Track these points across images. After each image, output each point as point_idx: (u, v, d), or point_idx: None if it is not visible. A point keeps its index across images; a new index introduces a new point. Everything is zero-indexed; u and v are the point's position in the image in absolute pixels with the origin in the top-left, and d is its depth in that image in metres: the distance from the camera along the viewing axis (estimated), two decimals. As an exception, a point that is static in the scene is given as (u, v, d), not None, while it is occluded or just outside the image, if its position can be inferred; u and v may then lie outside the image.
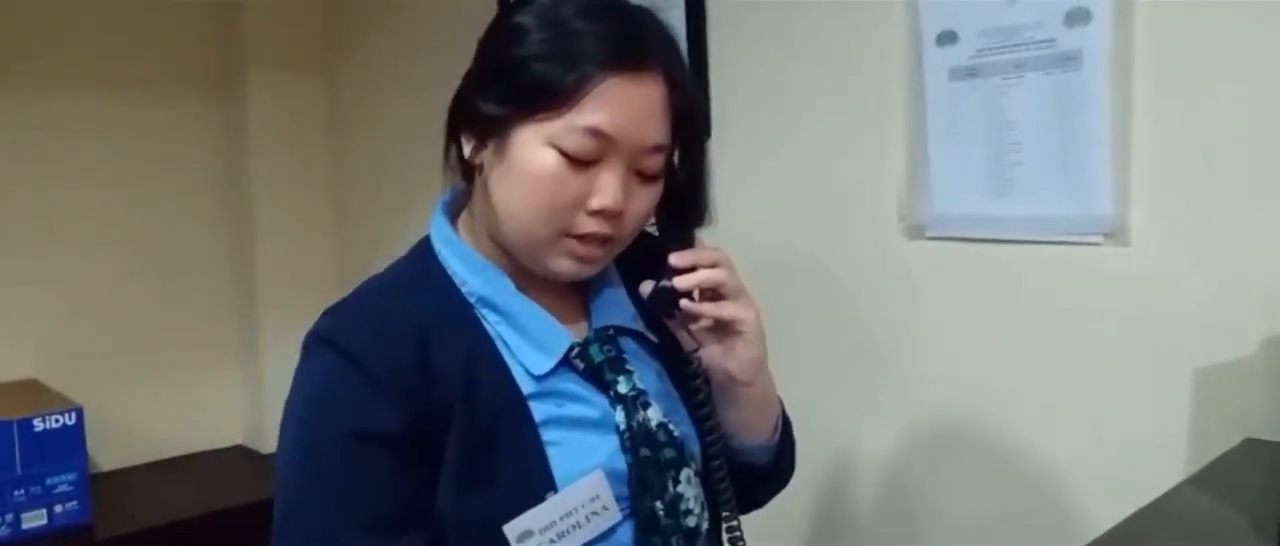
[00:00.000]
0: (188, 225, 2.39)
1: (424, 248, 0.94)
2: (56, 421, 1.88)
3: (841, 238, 1.54)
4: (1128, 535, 0.94)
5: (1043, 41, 1.28)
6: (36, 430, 1.86)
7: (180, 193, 2.38)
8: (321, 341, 0.85)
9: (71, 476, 1.90)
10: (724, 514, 0.96)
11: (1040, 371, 1.35)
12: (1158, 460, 1.22)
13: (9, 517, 1.84)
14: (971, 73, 1.35)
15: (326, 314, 0.88)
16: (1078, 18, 1.25)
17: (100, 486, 2.05)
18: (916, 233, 1.44)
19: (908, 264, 1.46)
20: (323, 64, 2.51)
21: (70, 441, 1.89)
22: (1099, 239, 1.27)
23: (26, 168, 2.16)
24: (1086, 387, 1.30)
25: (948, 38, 1.37)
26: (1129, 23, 1.22)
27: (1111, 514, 0.98)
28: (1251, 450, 1.12)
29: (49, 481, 1.88)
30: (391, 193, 2.35)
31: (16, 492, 1.84)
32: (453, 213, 0.95)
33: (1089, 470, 1.30)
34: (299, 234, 2.46)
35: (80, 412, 1.90)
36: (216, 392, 2.45)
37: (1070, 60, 1.26)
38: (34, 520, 1.87)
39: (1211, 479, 1.07)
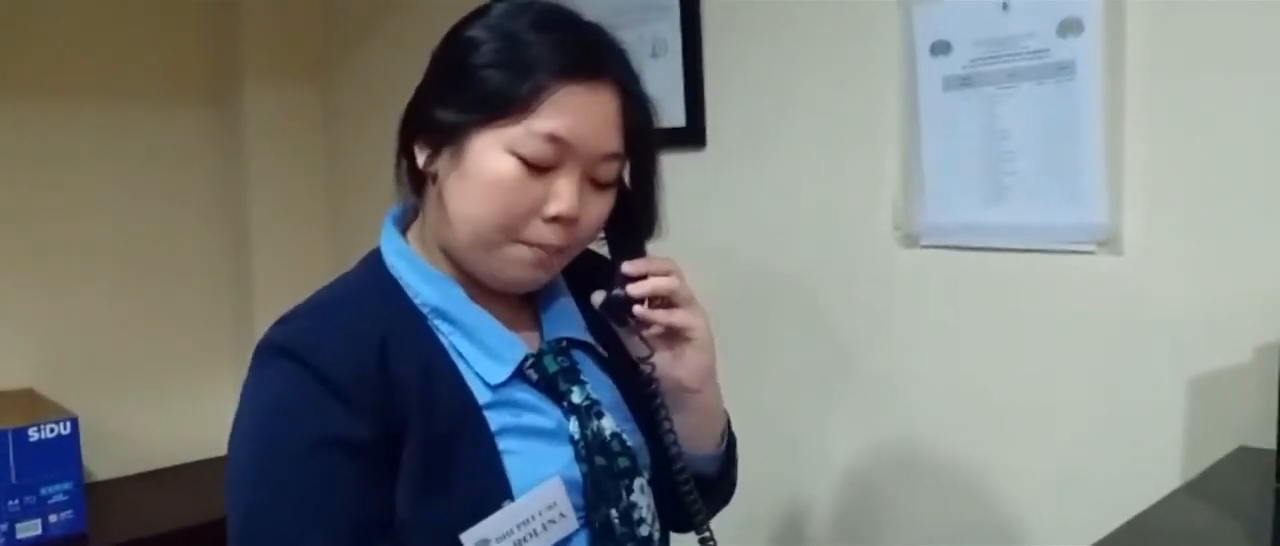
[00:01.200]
0: (184, 234, 2.39)
1: (374, 260, 0.94)
2: (51, 431, 1.87)
3: (836, 246, 1.54)
4: (1122, 542, 0.94)
5: (1036, 51, 1.29)
6: (31, 439, 1.85)
7: (177, 201, 2.38)
8: (278, 351, 0.84)
9: (66, 486, 1.89)
10: (695, 517, 0.96)
11: (1034, 379, 1.35)
12: (1151, 467, 1.22)
13: (3, 527, 1.83)
14: (965, 82, 1.36)
15: (280, 323, 0.87)
16: (1070, 28, 1.26)
17: (95, 496, 2.04)
18: (911, 241, 1.45)
19: (902, 272, 1.47)
20: (319, 72, 2.52)
21: (65, 451, 1.89)
22: (1092, 247, 1.27)
23: (23, 176, 2.16)
24: (1080, 395, 1.31)
25: (941, 48, 1.38)
26: (1121, 32, 1.22)
27: (1105, 522, 0.98)
28: (1245, 458, 1.13)
29: (44, 491, 1.87)
30: (388, 202, 2.34)
31: (11, 502, 1.84)
32: (402, 226, 0.96)
33: (1082, 478, 1.31)
34: (295, 243, 2.46)
35: (75, 422, 1.90)
36: (212, 402, 2.43)
37: (1063, 70, 1.27)
38: (29, 530, 1.86)
39: (1205, 486, 1.07)
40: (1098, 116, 1.25)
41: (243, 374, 2.48)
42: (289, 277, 2.42)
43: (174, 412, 2.37)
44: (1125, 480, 1.22)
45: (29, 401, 2.06)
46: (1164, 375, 1.23)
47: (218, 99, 2.43)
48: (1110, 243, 1.26)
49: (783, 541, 1.65)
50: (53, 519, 1.88)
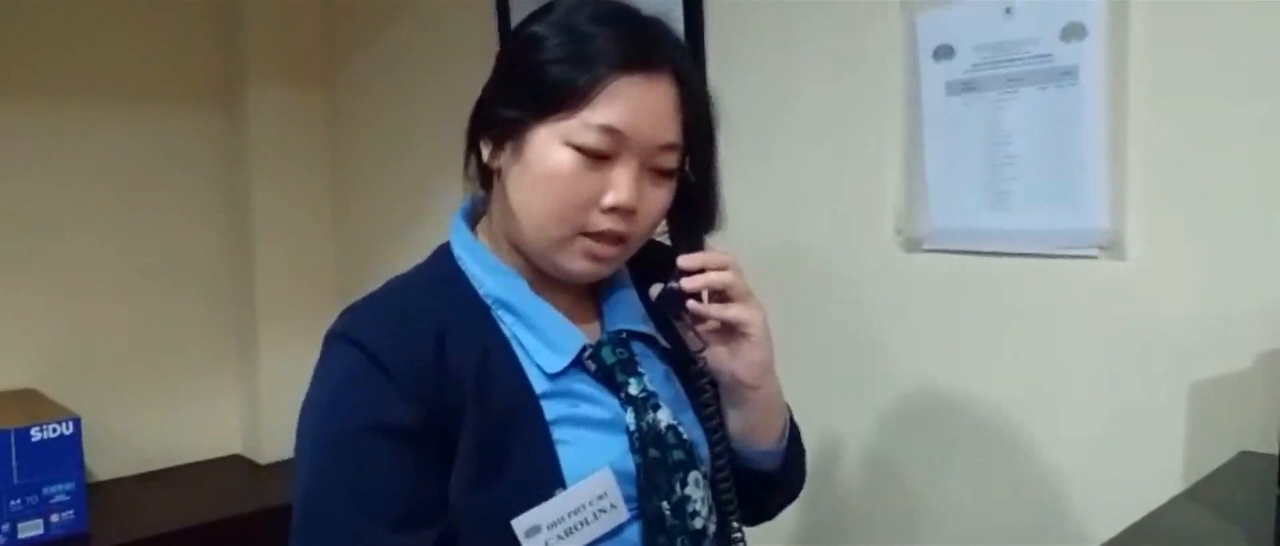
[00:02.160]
0: (187, 236, 2.39)
1: (443, 252, 0.96)
2: (54, 431, 1.88)
3: (839, 250, 1.54)
4: (1123, 547, 0.94)
5: (1039, 56, 1.29)
6: (34, 439, 1.86)
7: (180, 204, 2.38)
8: (342, 337, 0.87)
9: (68, 486, 1.90)
10: (730, 517, 0.96)
11: (1036, 384, 1.35)
12: (1153, 473, 1.22)
13: (5, 527, 1.83)
14: (968, 87, 1.36)
15: (347, 311, 0.90)
16: (1073, 33, 1.26)
17: (97, 496, 2.05)
18: (914, 245, 1.45)
19: (905, 276, 1.47)
20: (323, 76, 2.52)
21: (67, 451, 1.89)
22: (1095, 252, 1.27)
23: (26, 178, 2.17)
24: (1082, 401, 1.31)
25: (944, 52, 1.38)
26: (1124, 38, 1.22)
27: (1107, 527, 0.98)
28: (1247, 463, 1.13)
29: (46, 491, 1.88)
30: (391, 204, 2.35)
31: (13, 502, 1.84)
32: (472, 220, 0.97)
33: (1085, 483, 1.31)
34: (298, 245, 2.46)
35: (78, 422, 1.90)
36: (214, 403, 2.45)
37: (1066, 75, 1.27)
38: (30, 530, 1.86)
39: (1207, 492, 1.07)
40: (1101, 121, 1.25)
41: (245, 374, 2.50)
42: (291, 279, 2.42)
43: (176, 413, 2.37)
44: (1127, 485, 1.21)
45: (31, 401, 2.07)
46: (1166, 380, 1.22)
47: (221, 102, 2.43)
48: (1113, 248, 1.26)
49: (785, 542, 1.65)
50: (54, 519, 1.89)
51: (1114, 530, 0.97)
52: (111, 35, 2.26)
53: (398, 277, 0.96)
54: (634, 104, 0.85)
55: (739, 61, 1.65)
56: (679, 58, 0.89)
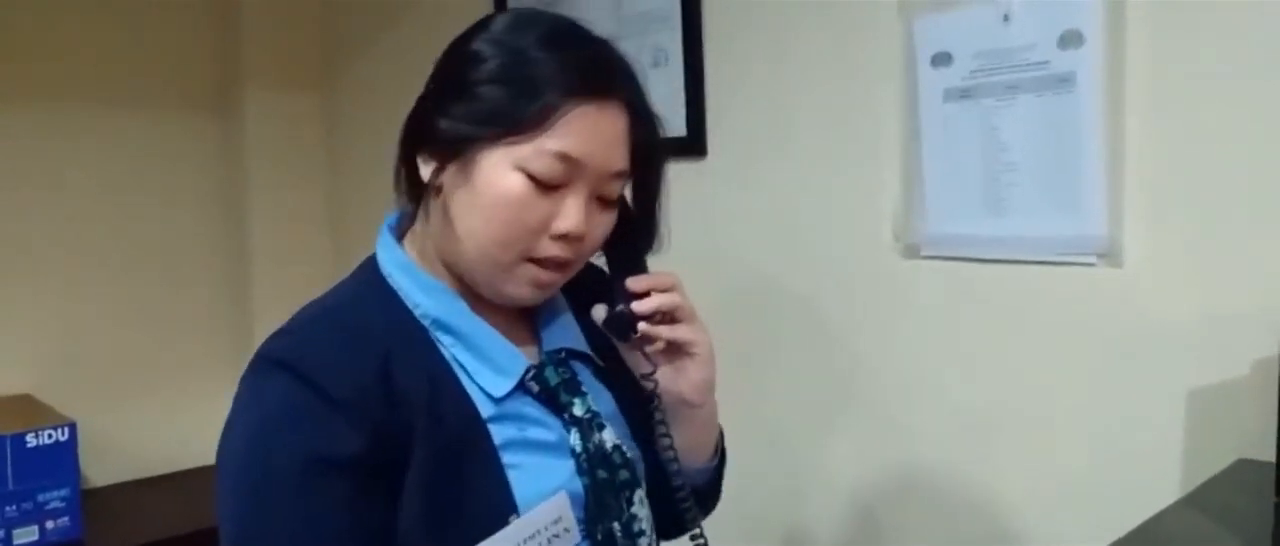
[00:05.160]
0: (184, 242, 2.39)
1: (370, 270, 0.93)
2: (49, 437, 1.87)
3: (837, 257, 1.54)
4: (1122, 555, 0.94)
5: (1036, 63, 1.29)
6: (29, 445, 1.85)
7: (177, 209, 2.38)
8: (274, 363, 0.82)
9: (64, 492, 1.89)
10: (691, 532, 0.96)
11: (1034, 391, 1.35)
12: (1151, 480, 1.22)
13: (0, 534, 1.83)
14: (965, 94, 1.36)
15: (276, 336, 0.86)
16: (1071, 40, 1.26)
17: (92, 502, 2.04)
18: (912, 252, 1.45)
19: (903, 283, 1.47)
20: (319, 81, 2.52)
21: (63, 457, 1.89)
22: (1093, 259, 1.28)
23: (23, 182, 2.16)
24: (1079, 407, 1.31)
25: (942, 59, 1.38)
26: (1121, 45, 1.22)
27: (1106, 533, 0.98)
28: (1244, 470, 1.13)
29: (41, 497, 1.87)
30: (388, 209, 2.34)
31: (8, 508, 1.84)
32: (398, 234, 0.95)
33: (1082, 490, 1.31)
34: (295, 251, 2.46)
35: (73, 428, 1.90)
36: (210, 409, 2.40)
37: (1063, 82, 1.27)
38: (25, 536, 1.86)
39: (1204, 499, 1.07)
40: (1098, 128, 1.25)
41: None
42: (288, 285, 2.42)
43: (172, 419, 2.37)
44: (1124, 492, 1.22)
45: (27, 407, 2.06)
46: (1164, 387, 1.23)
47: (219, 106, 2.43)
48: (1110, 254, 1.26)
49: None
50: (50, 525, 1.88)
51: (1112, 536, 0.97)
52: (109, 39, 2.26)
53: (326, 296, 0.92)
54: (589, 132, 0.84)
55: (737, 67, 1.65)
56: (630, 84, 0.89)
